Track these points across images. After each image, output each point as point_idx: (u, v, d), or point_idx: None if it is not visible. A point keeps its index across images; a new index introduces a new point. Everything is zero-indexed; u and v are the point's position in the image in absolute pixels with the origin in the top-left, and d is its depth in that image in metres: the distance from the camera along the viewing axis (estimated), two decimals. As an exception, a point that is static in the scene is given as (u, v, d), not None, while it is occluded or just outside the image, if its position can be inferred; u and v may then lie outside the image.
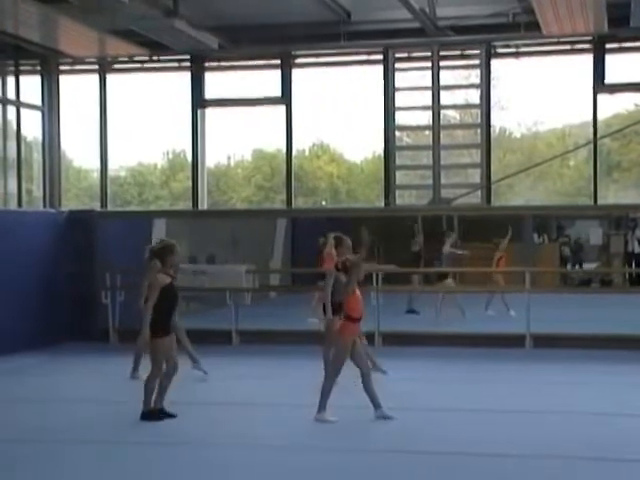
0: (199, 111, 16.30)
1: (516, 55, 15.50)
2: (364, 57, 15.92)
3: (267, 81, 16.22)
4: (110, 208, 16.76)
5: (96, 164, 16.89)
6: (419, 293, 17.99)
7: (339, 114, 17.01)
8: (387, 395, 9.40)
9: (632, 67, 15.05)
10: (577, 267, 25.88)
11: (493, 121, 15.42)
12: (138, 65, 16.69)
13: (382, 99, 15.27)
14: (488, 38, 14.78)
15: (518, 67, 15.75)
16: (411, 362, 12.78)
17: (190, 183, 16.48)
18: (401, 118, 15.37)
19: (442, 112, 15.16)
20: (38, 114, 16.59)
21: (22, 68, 16.30)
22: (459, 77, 15.95)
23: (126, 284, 15.64)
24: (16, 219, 14.80)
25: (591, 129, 15.01)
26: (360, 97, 16.23)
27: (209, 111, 16.45)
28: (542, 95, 16.07)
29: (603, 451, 8.00)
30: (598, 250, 26.43)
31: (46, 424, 9.34)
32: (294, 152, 16.33)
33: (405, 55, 15.38)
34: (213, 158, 18.42)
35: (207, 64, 16.31)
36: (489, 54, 14.93)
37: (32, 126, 16.67)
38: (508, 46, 15.26)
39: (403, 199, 15.74)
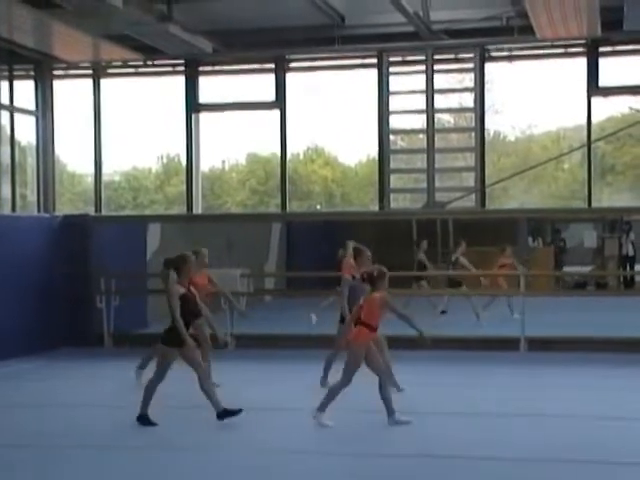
0: (193, 115, 16.28)
1: (510, 59, 15.50)
2: (358, 61, 15.90)
3: (261, 85, 16.21)
4: (104, 213, 16.74)
5: (90, 169, 16.85)
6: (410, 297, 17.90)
7: (333, 118, 17.03)
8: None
9: (626, 70, 15.07)
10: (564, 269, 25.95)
11: (487, 124, 15.42)
12: (132, 70, 16.69)
13: (376, 103, 15.27)
14: (482, 42, 14.79)
15: (512, 71, 15.76)
16: (405, 366, 12.75)
17: (184, 187, 16.46)
18: (395, 122, 15.37)
19: (436, 116, 15.17)
20: (32, 119, 16.55)
21: (16, 73, 16.23)
22: (453, 81, 15.99)
23: (120, 289, 15.66)
24: (10, 224, 14.78)
25: (585, 132, 15.01)
26: (354, 101, 16.22)
27: (203, 115, 16.42)
28: (536, 98, 16.07)
29: (600, 454, 8.02)
30: (593, 253, 26.52)
31: (44, 429, 9.33)
32: (288, 156, 16.29)
33: (399, 59, 15.39)
34: (207, 162, 18.40)
35: (201, 68, 16.29)
36: (483, 58, 14.95)
37: (26, 131, 16.61)
38: (502, 50, 15.27)
39: (397, 203, 15.73)
